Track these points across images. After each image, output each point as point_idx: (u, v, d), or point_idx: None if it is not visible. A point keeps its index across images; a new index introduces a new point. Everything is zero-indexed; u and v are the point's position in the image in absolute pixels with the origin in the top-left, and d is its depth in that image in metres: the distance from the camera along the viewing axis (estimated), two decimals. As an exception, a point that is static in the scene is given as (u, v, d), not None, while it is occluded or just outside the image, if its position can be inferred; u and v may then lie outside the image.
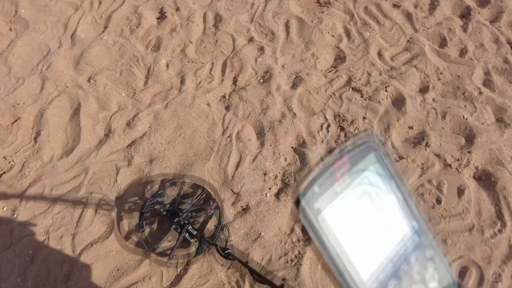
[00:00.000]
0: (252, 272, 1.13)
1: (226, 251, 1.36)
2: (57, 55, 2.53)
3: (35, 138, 2.25)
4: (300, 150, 2.10)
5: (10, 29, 2.77)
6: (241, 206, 1.98)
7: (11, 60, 2.57)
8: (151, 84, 2.39)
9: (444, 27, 2.49)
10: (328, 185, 0.39)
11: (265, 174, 2.05)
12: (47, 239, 1.96)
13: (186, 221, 1.83)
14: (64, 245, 1.95)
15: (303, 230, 1.90)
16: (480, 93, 2.22)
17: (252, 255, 1.85)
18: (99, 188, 2.07)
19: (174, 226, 1.83)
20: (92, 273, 1.88)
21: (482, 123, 2.13)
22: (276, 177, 2.04)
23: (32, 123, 2.32)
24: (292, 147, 2.13)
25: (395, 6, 2.59)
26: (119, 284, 1.84)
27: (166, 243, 1.88)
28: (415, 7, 2.59)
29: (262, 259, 1.85)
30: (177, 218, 1.83)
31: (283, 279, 1.81)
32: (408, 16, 2.54)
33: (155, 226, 1.94)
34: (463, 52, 2.39)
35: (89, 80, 2.42)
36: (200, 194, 1.96)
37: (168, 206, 1.90)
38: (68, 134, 2.26)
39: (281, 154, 2.10)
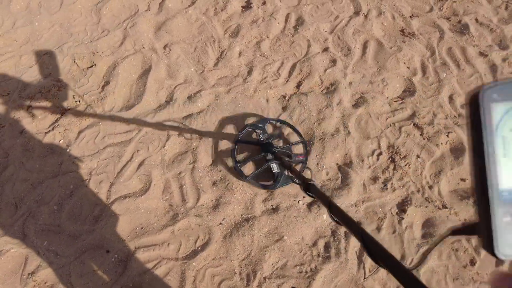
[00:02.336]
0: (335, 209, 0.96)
1: (309, 182, 1.23)
2: (143, 17, 2.69)
3: (103, 87, 2.41)
4: (344, 169, 2.08)
5: (109, -16, 2.98)
6: (271, 205, 1.99)
7: (103, 12, 2.77)
8: (220, 66, 2.47)
9: (529, 89, 2.34)
10: None
11: (303, 181, 2.05)
12: (88, 180, 2.09)
13: (274, 155, 1.98)
14: (101, 190, 2.07)
15: (326, 247, 1.88)
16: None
17: (269, 255, 1.86)
18: (146, 148, 2.17)
19: (261, 156, 2.05)
20: (118, 224, 1.99)
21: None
22: (313, 187, 2.04)
23: (104, 72, 2.48)
24: (337, 164, 2.11)
25: (482, 54, 2.47)
26: (139, 241, 1.93)
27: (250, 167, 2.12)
28: (503, 60, 2.46)
29: (278, 261, 1.86)
30: (271, 150, 2.00)
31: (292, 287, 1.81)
32: (493, 68, 2.42)
33: (246, 151, 2.18)
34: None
35: (164, 48, 2.55)
36: (296, 142, 2.13)
37: (265, 137, 2.11)
38: (133, 91, 2.40)
39: (324, 167, 2.09)
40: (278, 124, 2.22)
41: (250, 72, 2.42)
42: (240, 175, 2.04)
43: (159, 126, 2.24)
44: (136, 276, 1.86)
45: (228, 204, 2.00)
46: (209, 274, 1.84)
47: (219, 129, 2.24)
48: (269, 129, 2.23)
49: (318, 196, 1.10)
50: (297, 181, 1.34)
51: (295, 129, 2.17)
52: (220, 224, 1.97)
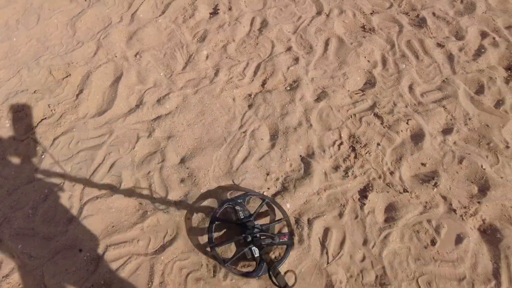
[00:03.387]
0: None
1: None
2: (115, 28, 2.82)
3: (77, 95, 2.51)
4: (307, 160, 2.15)
5: (85, -1, 3.13)
6: (237, 198, 2.06)
7: (78, 25, 2.90)
8: (188, 70, 2.57)
9: (485, 75, 2.42)
10: None
11: (267, 174, 2.12)
12: (62, 184, 2.17)
13: (254, 239, 1.80)
14: (75, 192, 2.14)
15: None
16: (507, 147, 2.13)
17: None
18: (117, 150, 2.25)
19: (241, 239, 1.83)
20: (91, 224, 2.05)
21: (501, 177, 2.04)
22: (277, 179, 2.11)
23: (79, 82, 2.59)
24: (300, 155, 2.18)
25: (439, 45, 2.57)
26: (110, 239, 1.99)
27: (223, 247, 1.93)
28: (460, 50, 2.55)
29: (243, 251, 1.90)
30: (252, 232, 1.81)
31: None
32: (450, 57, 2.51)
33: (222, 229, 2.00)
34: (499, 103, 2.31)
35: (135, 55, 2.66)
36: (278, 220, 1.93)
37: (244, 217, 1.91)
38: (105, 98, 2.50)
39: (288, 159, 2.16)
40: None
41: (216, 74, 2.52)
42: (216, 259, 1.87)
43: (130, 129, 2.32)
44: (107, 273, 1.91)
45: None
46: (177, 267, 1.90)
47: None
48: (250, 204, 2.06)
49: None
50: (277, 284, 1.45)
51: (277, 206, 1.99)
52: (188, 219, 2.03)
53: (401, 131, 2.21)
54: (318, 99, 2.37)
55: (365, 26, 2.70)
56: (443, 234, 1.90)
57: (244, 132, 2.28)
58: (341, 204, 2.01)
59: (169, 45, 2.71)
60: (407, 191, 2.02)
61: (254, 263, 1.84)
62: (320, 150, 2.18)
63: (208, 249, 1.91)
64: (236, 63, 2.56)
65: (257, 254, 1.80)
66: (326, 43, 2.62)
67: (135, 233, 2.00)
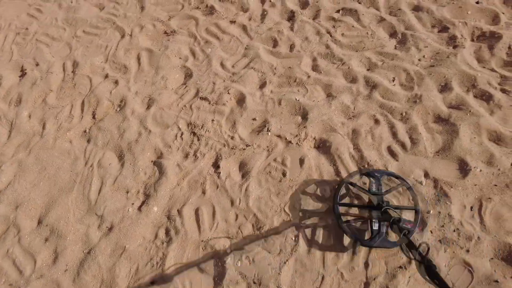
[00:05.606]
0: None
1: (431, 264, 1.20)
2: None
3: None
4: (158, 161, 2.27)
5: None
6: (106, 227, 2.06)
7: None
8: (14, 136, 2.48)
9: (275, 31, 2.87)
10: None
11: (127, 192, 2.18)
12: None
13: (384, 213, 1.76)
14: None
15: (166, 232, 2.01)
16: (309, 76, 2.56)
17: (119, 269, 1.92)
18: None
19: (375, 207, 1.83)
20: None
21: (313, 101, 2.44)
22: (138, 191, 2.17)
23: None
24: (151, 161, 2.28)
25: (232, 22, 2.95)
26: None
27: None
28: (249, 19, 2.96)
29: (130, 269, 1.92)
30: (383, 206, 1.78)
31: (152, 282, 1.89)
32: (244, 28, 2.91)
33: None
34: (292, 47, 2.76)
35: (-51, 147, 2.45)
36: (408, 207, 1.91)
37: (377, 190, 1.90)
38: None
39: (140, 169, 2.24)
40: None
41: (44, 126, 2.48)
42: (336, 216, 1.91)
43: (-32, 220, 2.14)
44: None
45: (65, 249, 2.00)
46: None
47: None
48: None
49: (439, 282, 1.10)
50: (412, 257, 1.31)
51: (412, 194, 1.93)
52: (65, 271, 1.96)
53: (227, 101, 2.48)
54: (148, 107, 2.51)
55: (167, 31, 2.94)
56: (289, 164, 2.20)
57: (91, 166, 2.29)
58: (201, 183, 2.16)
59: (-16, 123, 2.56)
60: (249, 145, 2.28)
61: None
62: (166, 148, 2.31)
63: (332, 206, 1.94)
64: (61, 109, 2.56)
65: (375, 227, 1.79)
66: (138, 58, 2.78)
67: None
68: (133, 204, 2.13)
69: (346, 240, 1.88)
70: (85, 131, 2.45)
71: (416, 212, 1.87)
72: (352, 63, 2.59)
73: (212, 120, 2.41)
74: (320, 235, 1.92)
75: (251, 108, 2.43)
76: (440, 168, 2.07)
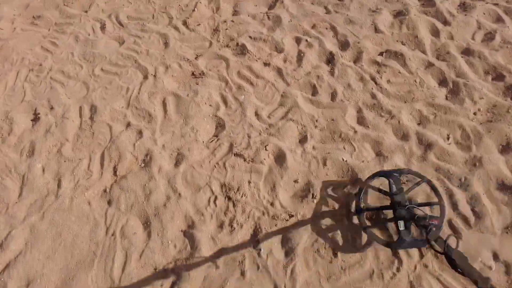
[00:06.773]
0: None
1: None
2: None
3: None
4: (189, 232, 1.99)
5: None
6: None
7: None
8: (26, 194, 2.21)
9: (313, 76, 2.62)
10: None
11: (155, 269, 1.90)
12: None
13: (407, 213, 1.80)
14: None
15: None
16: (355, 132, 2.30)
17: None
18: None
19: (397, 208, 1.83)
20: None
21: (362, 161, 2.18)
22: (166, 269, 1.90)
23: None
24: (181, 231, 2.02)
25: (265, 64, 2.70)
26: None
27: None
28: (284, 61, 2.72)
29: None
30: (405, 206, 1.82)
31: None
32: (279, 72, 2.66)
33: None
34: (333, 95, 2.50)
35: (-48, 205, 2.19)
36: (432, 203, 1.90)
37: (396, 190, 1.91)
38: None
39: (169, 242, 1.97)
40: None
41: (59, 184, 2.21)
42: (360, 222, 1.91)
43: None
44: None
45: None
46: None
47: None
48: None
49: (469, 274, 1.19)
50: (441, 250, 1.34)
51: (434, 189, 1.94)
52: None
53: (264, 159, 2.22)
54: (177, 164, 2.24)
55: (194, 73, 2.69)
56: (339, 240, 1.93)
57: (113, 235, 2.02)
58: (239, 262, 1.89)
59: (-8, 176, 2.30)
60: (292, 215, 2.01)
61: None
62: (198, 216, 2.04)
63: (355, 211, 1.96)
64: (78, 163, 2.29)
65: (402, 228, 1.81)
66: (164, 104, 2.53)
67: None
68: (162, 286, 1.85)
69: None
70: (105, 191, 2.18)
71: (441, 206, 1.88)
72: (402, 117, 2.34)
73: (249, 182, 2.14)
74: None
75: (292, 168, 2.17)
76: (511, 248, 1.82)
